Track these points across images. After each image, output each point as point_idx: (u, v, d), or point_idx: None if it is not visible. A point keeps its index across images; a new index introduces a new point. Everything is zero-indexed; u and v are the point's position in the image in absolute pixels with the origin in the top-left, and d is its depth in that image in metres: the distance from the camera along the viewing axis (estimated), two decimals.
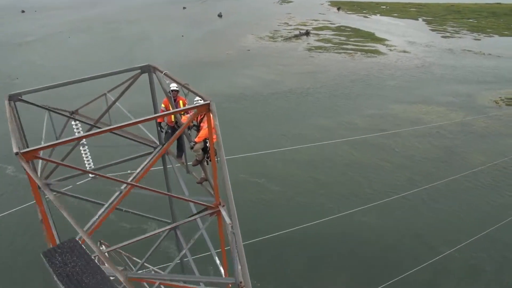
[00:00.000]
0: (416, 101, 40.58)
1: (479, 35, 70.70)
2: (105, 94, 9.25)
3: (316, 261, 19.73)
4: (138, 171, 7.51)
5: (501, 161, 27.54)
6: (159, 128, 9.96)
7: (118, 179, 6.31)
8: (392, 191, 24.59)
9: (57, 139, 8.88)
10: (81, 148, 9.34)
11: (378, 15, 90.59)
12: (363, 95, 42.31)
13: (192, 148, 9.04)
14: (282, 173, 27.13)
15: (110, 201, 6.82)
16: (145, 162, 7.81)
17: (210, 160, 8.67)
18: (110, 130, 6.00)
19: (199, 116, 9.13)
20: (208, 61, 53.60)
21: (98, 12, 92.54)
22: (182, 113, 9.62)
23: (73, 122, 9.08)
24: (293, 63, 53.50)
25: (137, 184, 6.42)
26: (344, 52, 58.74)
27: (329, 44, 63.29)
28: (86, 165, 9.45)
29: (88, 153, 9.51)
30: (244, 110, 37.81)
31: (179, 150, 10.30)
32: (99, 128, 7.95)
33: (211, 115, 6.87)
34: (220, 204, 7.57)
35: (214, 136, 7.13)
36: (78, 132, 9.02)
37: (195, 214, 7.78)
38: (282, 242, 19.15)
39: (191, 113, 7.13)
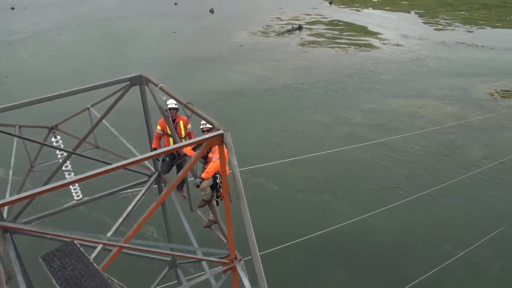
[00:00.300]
0: (412, 95, 40.29)
1: (471, 27, 70.53)
2: (88, 109, 8.05)
3: (323, 267, 19.15)
4: (130, 207, 6.26)
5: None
6: None
7: (107, 242, 5.26)
8: (403, 191, 24.15)
9: (31, 164, 7.54)
10: (66, 175, 8.05)
11: (370, 8, 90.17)
12: (360, 89, 41.85)
13: (198, 186, 7.27)
14: (284, 172, 26.29)
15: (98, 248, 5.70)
16: (140, 194, 6.50)
17: (220, 200, 7.16)
18: (107, 172, 4.47)
19: None
20: (201, 57, 52.81)
21: (89, 9, 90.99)
22: (183, 137, 8.11)
23: (53, 139, 7.76)
24: (287, 58, 52.80)
25: (129, 245, 4.99)
26: (338, 47, 58.21)
27: (322, 39, 62.74)
28: (74, 195, 8.23)
29: (76, 183, 8.13)
30: (240, 107, 37.15)
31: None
32: (82, 156, 6.89)
33: (225, 149, 5.26)
34: (235, 258, 6.14)
35: (227, 168, 5.51)
36: (60, 152, 7.68)
37: (201, 259, 6.45)
38: (290, 251, 18.37)
39: (195, 137, 5.76)
